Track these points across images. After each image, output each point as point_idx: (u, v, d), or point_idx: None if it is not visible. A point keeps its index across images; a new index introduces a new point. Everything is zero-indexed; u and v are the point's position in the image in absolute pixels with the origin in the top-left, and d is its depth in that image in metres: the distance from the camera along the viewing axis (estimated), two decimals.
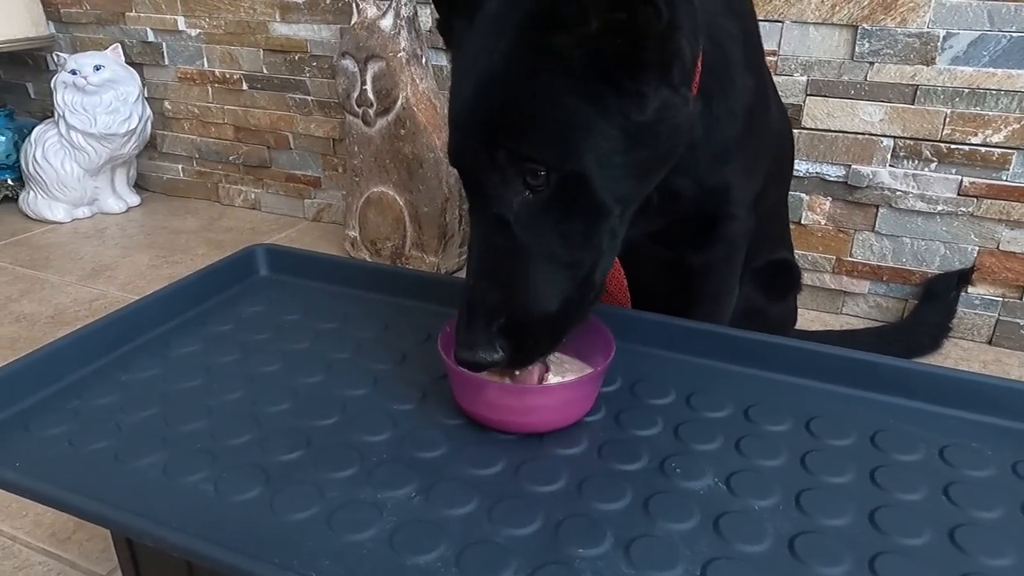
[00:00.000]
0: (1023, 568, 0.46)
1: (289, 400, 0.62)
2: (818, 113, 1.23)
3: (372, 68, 1.37)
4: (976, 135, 1.14)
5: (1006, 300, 1.22)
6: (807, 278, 1.30)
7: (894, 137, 1.19)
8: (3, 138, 1.84)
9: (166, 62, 1.81)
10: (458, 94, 0.55)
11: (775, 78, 1.08)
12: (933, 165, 1.19)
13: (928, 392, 0.61)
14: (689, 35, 0.54)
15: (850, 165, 1.24)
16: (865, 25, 1.15)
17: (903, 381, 0.61)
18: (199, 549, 0.44)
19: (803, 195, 1.28)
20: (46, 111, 1.96)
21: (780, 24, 1.20)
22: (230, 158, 1.85)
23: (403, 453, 0.55)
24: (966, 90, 1.13)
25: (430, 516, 0.49)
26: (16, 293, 1.41)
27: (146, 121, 1.77)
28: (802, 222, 1.30)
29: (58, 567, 0.79)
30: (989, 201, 1.17)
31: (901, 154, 1.20)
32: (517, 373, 0.58)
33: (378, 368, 0.66)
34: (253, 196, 1.87)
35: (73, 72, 1.66)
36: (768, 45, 1.16)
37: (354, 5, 1.38)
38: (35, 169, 1.72)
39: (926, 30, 1.12)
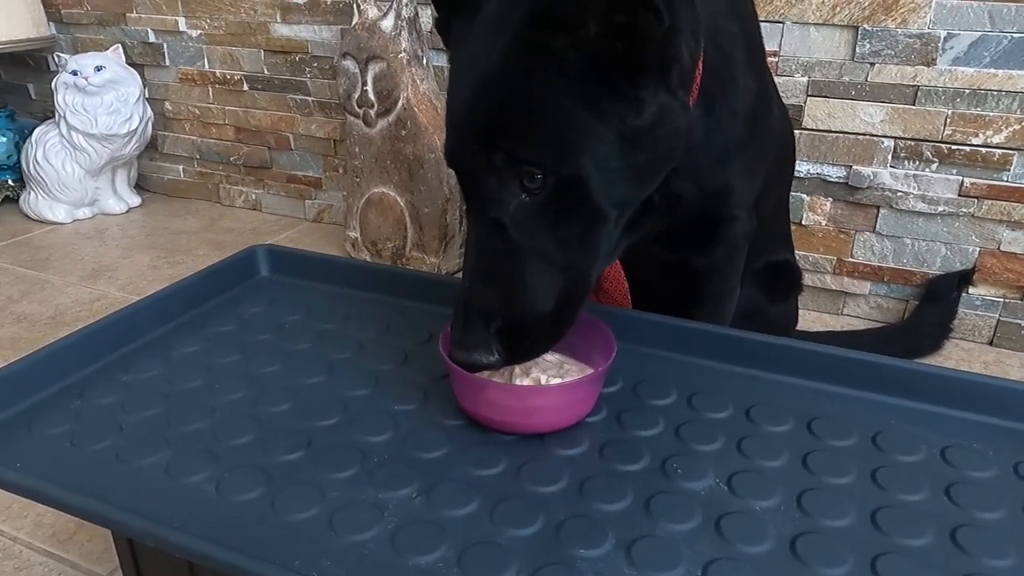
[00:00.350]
0: None
1: (290, 400, 0.62)
2: (819, 114, 1.23)
3: (373, 69, 1.37)
4: (977, 136, 1.14)
5: (1007, 301, 1.22)
6: (808, 279, 1.29)
7: (895, 138, 1.19)
8: (4, 139, 1.84)
9: (167, 63, 1.81)
10: (456, 95, 0.55)
11: (776, 79, 1.08)
12: (934, 166, 1.19)
13: (930, 393, 0.61)
14: (689, 39, 0.53)
15: (851, 166, 1.24)
16: (866, 26, 1.15)
17: (905, 382, 0.61)
18: (201, 549, 0.44)
19: (804, 196, 1.28)
20: (47, 112, 1.96)
21: (781, 25, 1.20)
22: (231, 159, 1.85)
23: (404, 453, 0.55)
24: (967, 91, 1.13)
25: (431, 516, 0.49)
26: (17, 294, 1.41)
27: (147, 122, 1.77)
28: (803, 223, 1.30)
29: (59, 568, 0.79)
30: (990, 202, 1.17)
31: (902, 155, 1.20)
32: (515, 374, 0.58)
33: (379, 368, 0.66)
34: (254, 197, 1.87)
35: (74, 73, 1.66)
36: (769, 46, 1.16)
37: (355, 6, 1.38)
38: (36, 170, 1.72)
39: (927, 31, 1.12)
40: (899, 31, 1.14)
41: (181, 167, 1.94)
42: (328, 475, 0.53)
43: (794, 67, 1.22)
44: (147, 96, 1.81)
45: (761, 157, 0.74)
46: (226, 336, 0.72)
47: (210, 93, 1.80)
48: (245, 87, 1.75)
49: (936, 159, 1.18)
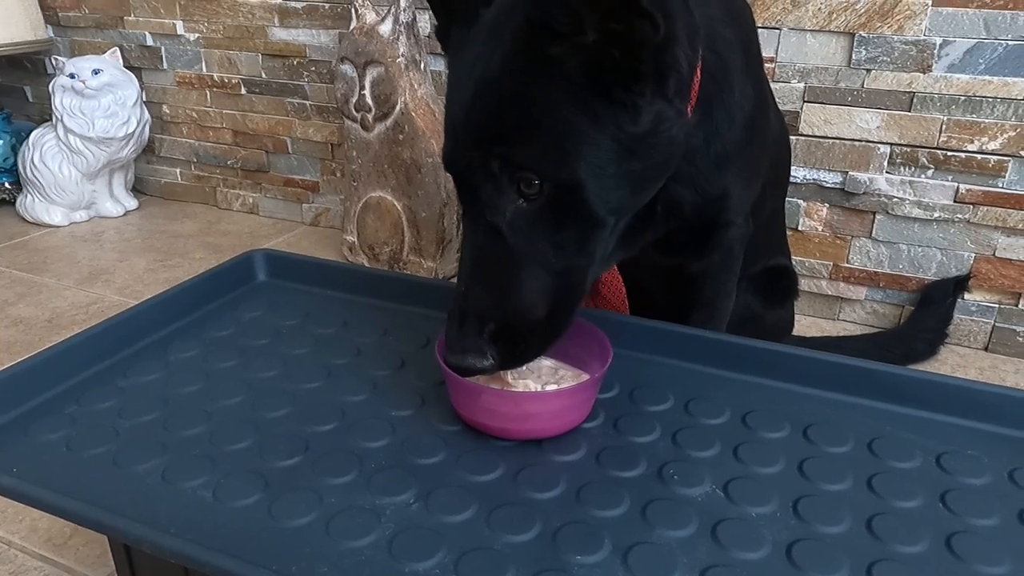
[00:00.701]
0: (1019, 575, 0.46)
1: (288, 405, 0.62)
2: (815, 120, 1.23)
3: (371, 73, 1.37)
4: (972, 142, 1.15)
5: (1002, 307, 1.22)
6: (804, 284, 1.30)
7: (891, 144, 1.20)
8: (1, 141, 1.83)
9: (165, 66, 1.81)
10: (454, 100, 0.55)
11: (772, 85, 1.08)
12: (930, 172, 1.19)
13: (925, 399, 0.61)
14: (687, 47, 0.54)
15: (847, 172, 1.24)
16: (862, 33, 1.16)
17: (900, 388, 0.62)
18: (198, 555, 0.44)
19: (800, 201, 1.29)
20: (44, 115, 1.96)
21: (778, 31, 1.21)
22: (228, 162, 1.85)
23: (402, 459, 0.55)
24: (962, 98, 1.13)
25: (429, 522, 0.49)
26: (13, 297, 1.41)
27: (144, 125, 1.77)
28: (799, 228, 1.31)
29: (54, 572, 0.79)
30: (985, 208, 1.17)
31: (898, 161, 1.20)
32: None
33: (377, 374, 0.66)
34: (251, 200, 1.87)
35: (71, 76, 1.65)
36: (766, 52, 1.17)
37: (353, 10, 1.38)
38: (33, 172, 1.72)
39: (923, 38, 1.13)
40: (895, 38, 1.14)
41: (178, 170, 1.94)
42: (326, 480, 0.53)
43: (790, 73, 1.22)
44: (144, 99, 1.81)
45: (759, 163, 0.74)
46: (224, 341, 0.72)
47: (208, 97, 1.80)
48: (243, 91, 1.75)
49: (932, 165, 1.19)
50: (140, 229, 1.77)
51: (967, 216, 1.19)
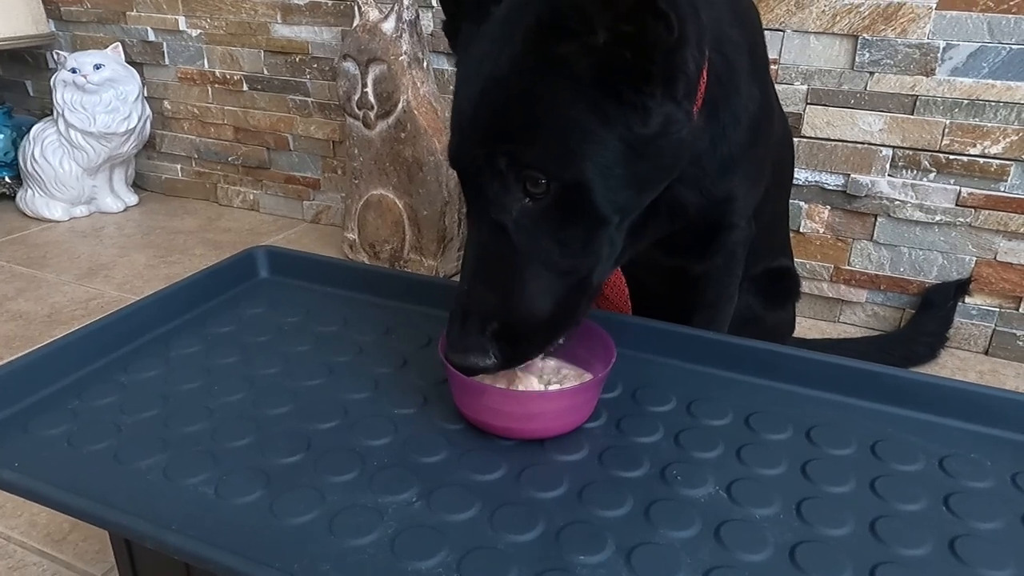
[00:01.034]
0: None
1: (290, 403, 0.62)
2: (818, 122, 1.23)
3: (373, 71, 1.37)
4: (975, 146, 1.15)
5: (1003, 310, 1.22)
6: (805, 286, 1.30)
7: (893, 147, 1.20)
8: (2, 136, 1.83)
9: (166, 62, 1.81)
10: (462, 97, 0.55)
11: (776, 86, 1.08)
12: (932, 175, 1.19)
13: (928, 402, 0.61)
14: (695, 49, 0.54)
15: (849, 174, 1.24)
16: (866, 35, 1.16)
17: (904, 391, 0.62)
18: (199, 552, 0.44)
19: (802, 203, 1.29)
20: (45, 109, 1.95)
21: (781, 33, 1.21)
22: (229, 159, 1.85)
23: (404, 458, 0.55)
24: (965, 101, 1.13)
25: (431, 521, 0.49)
26: (12, 291, 1.41)
27: (145, 121, 1.77)
28: (801, 230, 1.31)
29: (53, 568, 0.79)
30: (987, 212, 1.17)
31: (900, 164, 1.20)
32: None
33: (379, 372, 0.66)
34: (252, 197, 1.87)
35: (73, 70, 1.65)
36: (769, 54, 1.16)
37: (356, 8, 1.38)
38: (33, 167, 1.71)
39: (926, 41, 1.13)
40: (899, 41, 1.14)
41: (179, 166, 1.94)
42: (328, 478, 0.53)
43: (794, 75, 1.22)
44: (146, 95, 1.81)
45: (763, 165, 0.74)
46: (225, 337, 0.72)
47: (209, 93, 1.80)
48: (244, 87, 1.75)
49: (934, 168, 1.19)
50: (140, 225, 1.77)
51: (969, 220, 1.19)
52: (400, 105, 1.37)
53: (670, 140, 0.53)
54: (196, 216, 1.83)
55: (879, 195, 1.23)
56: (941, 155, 1.17)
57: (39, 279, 1.46)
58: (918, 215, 1.22)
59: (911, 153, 1.19)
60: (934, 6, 1.11)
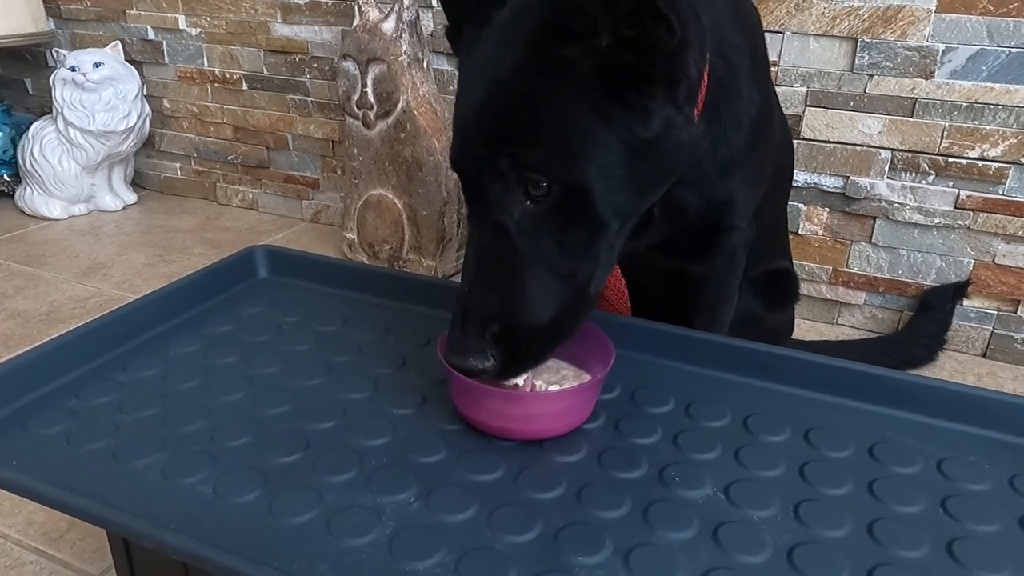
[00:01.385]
0: None
1: (289, 402, 0.61)
2: (817, 124, 1.23)
3: (373, 71, 1.37)
4: (973, 149, 1.15)
5: (1001, 313, 1.22)
6: (803, 288, 1.30)
7: (892, 149, 1.20)
8: (0, 133, 1.83)
9: (166, 60, 1.81)
10: (465, 100, 0.55)
11: (775, 88, 1.08)
12: (930, 178, 1.19)
13: (927, 405, 0.61)
14: (696, 53, 0.54)
15: (848, 176, 1.24)
16: (865, 38, 1.16)
17: (902, 394, 0.62)
18: (198, 551, 0.44)
19: (801, 205, 1.29)
20: (44, 107, 1.95)
21: (781, 35, 1.21)
22: (228, 158, 1.85)
23: (403, 458, 0.55)
24: (964, 104, 1.14)
25: (430, 522, 0.49)
26: (11, 289, 1.40)
27: (145, 119, 1.77)
28: (799, 232, 1.31)
29: (50, 566, 0.79)
30: (985, 215, 1.17)
31: (899, 166, 1.21)
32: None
33: (378, 372, 0.66)
34: (251, 196, 1.87)
35: (72, 69, 1.65)
36: (769, 56, 1.17)
37: (356, 7, 1.38)
38: (32, 165, 1.71)
39: (925, 44, 1.13)
40: (898, 43, 1.14)
41: (178, 165, 1.93)
42: (326, 478, 0.52)
43: (793, 77, 1.22)
44: (145, 93, 1.80)
45: (763, 168, 0.74)
46: (224, 336, 0.72)
47: (209, 92, 1.80)
48: (244, 86, 1.75)
49: (933, 171, 1.19)
50: (139, 223, 1.77)
51: (967, 222, 1.19)
52: (400, 105, 1.37)
53: (670, 143, 0.53)
54: (195, 215, 1.83)
55: (878, 197, 1.23)
56: (940, 158, 1.17)
57: (38, 277, 1.46)
58: (917, 217, 1.22)
59: (910, 156, 1.19)
60: (933, 9, 1.11)
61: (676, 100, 0.52)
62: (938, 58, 1.13)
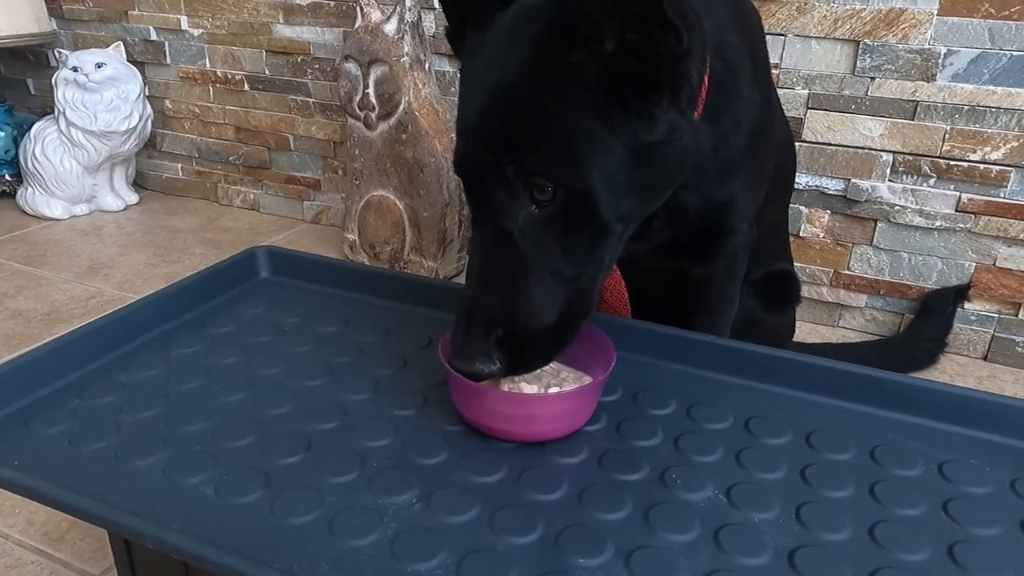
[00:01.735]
0: None
1: (290, 403, 0.62)
2: (818, 127, 1.23)
3: (375, 72, 1.37)
4: (975, 152, 1.15)
5: (1002, 316, 1.22)
6: (804, 291, 1.30)
7: (894, 152, 1.20)
8: (2, 133, 1.83)
9: (168, 61, 1.81)
10: (468, 104, 0.55)
11: (777, 91, 1.08)
12: (932, 181, 1.19)
13: (928, 408, 0.61)
14: (697, 59, 0.54)
15: (849, 179, 1.24)
16: (867, 40, 1.16)
17: (904, 396, 0.62)
18: (199, 552, 0.44)
19: (802, 208, 1.29)
20: (46, 107, 1.95)
21: (783, 37, 1.21)
22: (230, 158, 1.85)
23: (404, 459, 0.55)
24: (966, 107, 1.14)
25: (431, 523, 0.49)
26: (12, 289, 1.41)
27: (146, 120, 1.77)
28: (801, 235, 1.31)
29: (51, 567, 0.79)
30: (987, 218, 1.17)
31: (900, 169, 1.21)
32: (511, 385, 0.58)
33: (379, 373, 0.66)
34: (252, 197, 1.87)
35: (74, 69, 1.65)
36: (771, 58, 1.16)
37: (358, 9, 1.38)
38: (34, 165, 1.71)
39: (927, 47, 1.13)
40: (900, 46, 1.15)
41: (180, 165, 1.94)
42: (328, 479, 0.53)
43: (795, 80, 1.23)
44: (147, 94, 1.81)
45: (764, 169, 0.74)
46: (226, 337, 0.72)
47: (210, 92, 1.80)
48: (246, 87, 1.75)
49: (934, 174, 1.19)
50: (140, 224, 1.77)
51: (968, 225, 1.19)
52: (401, 106, 1.37)
53: (674, 147, 0.53)
54: (196, 215, 1.83)
55: (879, 200, 1.23)
56: (941, 161, 1.17)
57: (39, 277, 1.46)
58: (918, 220, 1.22)
59: (911, 158, 1.19)
60: (935, 12, 1.11)
61: (679, 105, 0.52)
62: (940, 61, 1.13)
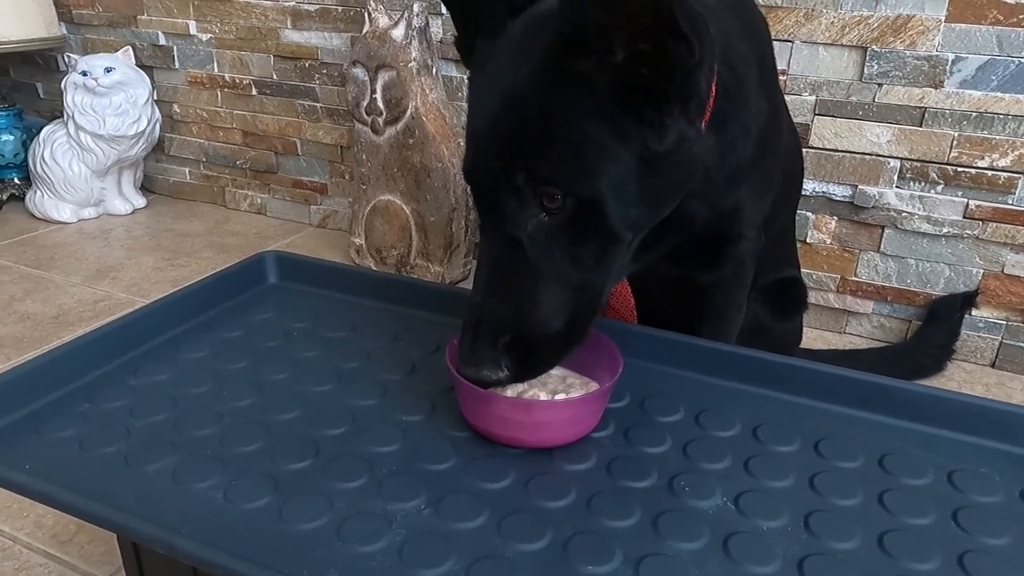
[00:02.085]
0: None
1: (298, 408, 0.62)
2: (826, 133, 1.23)
3: (382, 77, 1.38)
4: (983, 159, 1.15)
5: (1010, 323, 1.22)
6: (811, 297, 1.29)
7: (901, 159, 1.20)
8: (11, 137, 1.84)
9: (176, 66, 1.82)
10: (478, 112, 0.55)
11: (784, 97, 1.08)
12: (939, 187, 1.19)
13: (937, 416, 0.61)
14: (706, 69, 0.54)
15: (856, 185, 1.24)
16: (874, 47, 1.16)
17: (913, 404, 0.61)
18: (208, 557, 0.44)
19: (809, 214, 1.29)
20: (55, 111, 1.96)
21: (790, 44, 1.21)
22: (237, 162, 1.86)
23: (412, 465, 0.55)
24: (974, 114, 1.14)
25: (439, 529, 0.49)
26: (21, 292, 1.41)
27: (155, 124, 1.78)
28: (807, 241, 1.31)
29: (59, 569, 0.79)
30: (995, 224, 1.17)
31: (908, 176, 1.21)
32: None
33: (387, 378, 0.66)
34: (259, 201, 1.87)
35: (84, 73, 1.66)
36: (778, 64, 1.17)
37: (366, 14, 1.38)
38: (42, 169, 1.72)
39: (935, 53, 1.13)
40: (907, 53, 1.14)
41: (187, 169, 1.94)
42: (336, 484, 0.53)
43: (802, 86, 1.23)
44: (155, 98, 1.82)
45: (771, 177, 0.74)
46: (234, 342, 0.72)
47: (218, 97, 1.81)
48: (254, 92, 1.76)
49: (942, 181, 1.19)
50: (148, 227, 1.78)
51: (976, 232, 1.19)
52: (409, 111, 1.38)
53: (683, 156, 0.53)
54: (204, 219, 1.84)
55: (886, 206, 1.23)
56: (949, 167, 1.17)
57: (47, 280, 1.47)
58: (925, 227, 1.22)
59: (919, 165, 1.19)
60: (943, 18, 1.11)
61: (688, 114, 0.52)
62: (948, 68, 1.13)
